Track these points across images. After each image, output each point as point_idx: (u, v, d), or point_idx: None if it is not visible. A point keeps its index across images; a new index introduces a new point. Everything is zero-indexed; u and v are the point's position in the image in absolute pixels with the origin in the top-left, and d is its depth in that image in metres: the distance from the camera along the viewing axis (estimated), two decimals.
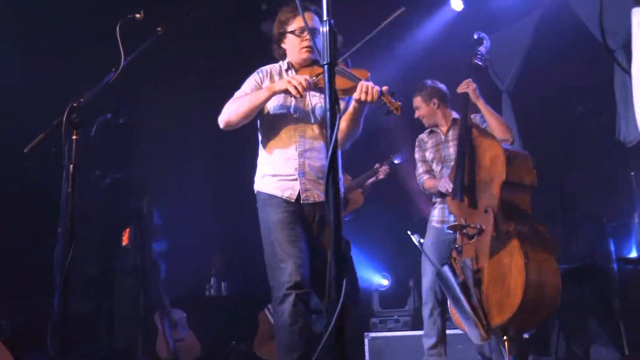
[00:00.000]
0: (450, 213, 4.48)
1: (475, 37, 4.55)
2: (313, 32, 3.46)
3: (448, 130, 4.85)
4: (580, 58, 5.83)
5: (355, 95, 3.27)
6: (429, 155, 4.92)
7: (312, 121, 3.54)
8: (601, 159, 5.94)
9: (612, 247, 5.32)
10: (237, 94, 3.61)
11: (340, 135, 3.42)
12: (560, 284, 3.88)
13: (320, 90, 3.47)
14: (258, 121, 3.66)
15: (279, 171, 3.51)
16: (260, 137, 3.68)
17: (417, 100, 4.97)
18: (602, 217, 5.59)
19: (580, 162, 6.16)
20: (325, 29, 1.85)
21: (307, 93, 3.48)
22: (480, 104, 4.47)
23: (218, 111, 3.54)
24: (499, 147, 4.06)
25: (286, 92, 3.37)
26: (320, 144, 3.51)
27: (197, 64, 7.48)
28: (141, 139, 7.60)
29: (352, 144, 3.62)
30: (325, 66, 1.81)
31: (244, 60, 5.56)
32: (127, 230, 6.55)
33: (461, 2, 6.40)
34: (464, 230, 4.09)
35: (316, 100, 3.56)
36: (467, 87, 4.48)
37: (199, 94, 7.57)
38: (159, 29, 3.51)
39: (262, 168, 3.62)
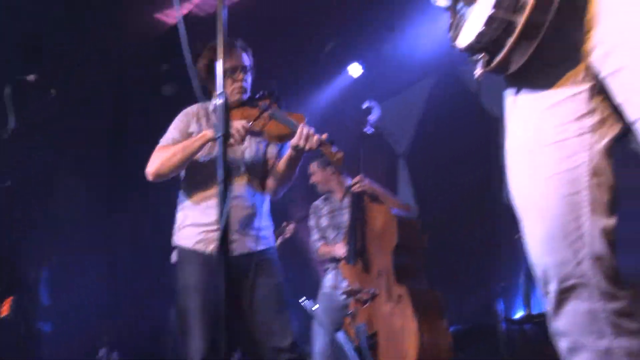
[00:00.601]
0: (343, 278, 4.50)
1: (365, 106, 4.68)
2: (244, 70, 3.35)
3: (343, 197, 4.92)
4: (470, 125, 6.09)
5: (293, 141, 3.10)
6: (323, 222, 4.97)
7: (241, 168, 3.33)
8: (490, 223, 6.18)
9: (502, 307, 5.49)
10: (163, 141, 3.31)
11: (274, 183, 3.36)
12: (452, 344, 3.96)
13: (253, 134, 3.27)
14: None
15: (201, 220, 3.24)
16: (182, 184, 3.40)
17: (313, 166, 5.04)
18: (492, 278, 5.77)
19: (470, 224, 6.38)
20: (219, 101, 1.78)
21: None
22: (378, 192, 4.54)
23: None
24: (390, 212, 4.18)
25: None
26: (247, 191, 3.30)
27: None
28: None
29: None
30: (220, 138, 1.72)
31: None
32: (9, 299, 6.15)
33: (360, 68, 6.58)
34: (357, 295, 4.12)
35: (245, 145, 3.34)
36: (359, 186, 4.41)
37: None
38: (52, 90, 3.38)
39: (181, 217, 3.33)
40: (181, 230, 3.29)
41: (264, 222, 3.40)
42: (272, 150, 3.47)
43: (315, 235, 4.99)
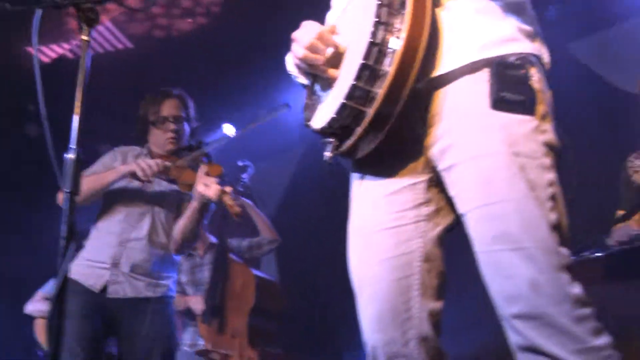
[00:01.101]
0: (200, 336, 4.43)
1: (240, 164, 4.75)
2: (177, 120, 3.32)
3: (205, 253, 4.88)
4: (334, 196, 6.27)
5: (195, 187, 3.09)
6: (183, 278, 4.89)
7: (147, 211, 3.27)
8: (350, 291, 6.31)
9: None
10: (86, 172, 3.19)
11: (176, 237, 3.21)
12: None
13: (171, 182, 3.24)
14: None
15: (93, 256, 3.19)
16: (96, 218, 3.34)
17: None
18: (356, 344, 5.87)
19: (329, 291, 6.48)
20: (72, 156, 1.68)
21: (156, 181, 3.23)
22: (247, 206, 4.62)
23: None
24: (251, 274, 4.21)
25: (133, 175, 3.09)
26: (150, 236, 3.23)
27: None
28: None
29: None
30: (67, 194, 1.63)
31: None
32: None
33: (233, 129, 6.63)
34: (210, 356, 4.06)
35: (155, 189, 3.31)
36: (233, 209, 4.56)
37: None
38: None
39: (82, 250, 3.25)
40: (74, 262, 3.15)
41: (160, 268, 3.29)
42: (186, 202, 3.38)
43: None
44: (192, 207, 3.17)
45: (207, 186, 3.05)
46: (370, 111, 1.46)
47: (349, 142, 1.54)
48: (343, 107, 1.48)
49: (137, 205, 3.27)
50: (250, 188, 4.85)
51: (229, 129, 6.68)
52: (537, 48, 1.59)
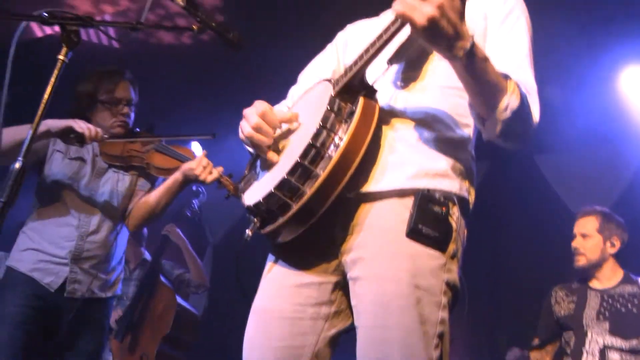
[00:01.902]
0: (110, 351, 4.38)
1: (194, 188, 4.78)
2: (129, 104, 3.15)
3: (135, 269, 4.85)
4: None
5: (189, 169, 2.96)
6: None
7: (98, 201, 3.04)
8: None
9: None
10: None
11: (139, 215, 3.07)
12: None
13: (124, 168, 3.08)
14: (37, 180, 3.05)
15: (46, 249, 2.93)
16: (34, 201, 3.06)
17: None
18: None
19: None
20: (17, 165, 1.64)
21: (116, 168, 3.07)
22: (183, 245, 4.64)
23: None
24: (175, 301, 4.19)
25: (72, 132, 2.80)
26: (103, 227, 3.04)
27: None
28: None
29: None
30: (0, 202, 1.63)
31: None
32: None
33: (200, 148, 6.68)
34: None
35: (106, 177, 3.09)
36: (168, 231, 4.63)
37: None
38: None
39: (25, 239, 2.98)
40: (19, 252, 2.96)
41: (115, 265, 3.14)
42: (142, 183, 3.22)
43: None
44: (175, 180, 3.03)
45: (205, 168, 2.96)
46: (295, 206, 1.52)
47: (270, 227, 1.60)
48: (271, 194, 1.55)
49: (90, 196, 3.05)
50: (199, 214, 4.87)
51: (197, 148, 6.73)
52: (465, 188, 1.68)
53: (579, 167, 5.61)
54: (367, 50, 1.59)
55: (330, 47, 2.09)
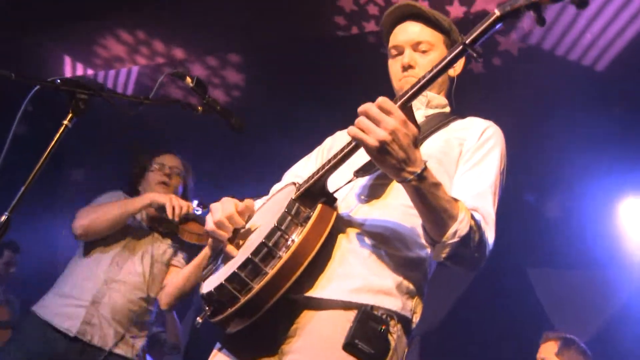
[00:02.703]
0: None
1: None
2: (173, 171, 3.36)
3: None
4: None
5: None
6: None
7: (141, 259, 3.16)
8: None
9: None
10: (93, 203, 3.19)
11: (178, 287, 2.99)
12: None
13: (176, 240, 3.22)
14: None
15: (71, 291, 3.01)
16: (77, 251, 3.23)
17: None
18: None
19: None
20: (3, 218, 1.72)
21: (156, 233, 3.21)
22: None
23: None
24: None
25: (158, 209, 3.07)
26: (137, 282, 3.10)
27: None
28: None
29: None
30: None
31: None
32: None
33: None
34: None
35: (163, 248, 3.23)
36: None
37: None
38: None
39: (56, 284, 3.12)
40: (47, 298, 3.06)
41: (141, 324, 3.15)
42: (178, 258, 3.33)
43: None
44: (205, 257, 3.05)
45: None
46: (242, 300, 1.57)
47: (219, 317, 1.65)
48: (222, 286, 1.61)
49: (131, 246, 3.17)
50: None
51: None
52: (409, 307, 1.71)
53: (569, 287, 5.60)
54: (329, 161, 1.67)
55: (316, 151, 2.20)
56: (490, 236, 1.70)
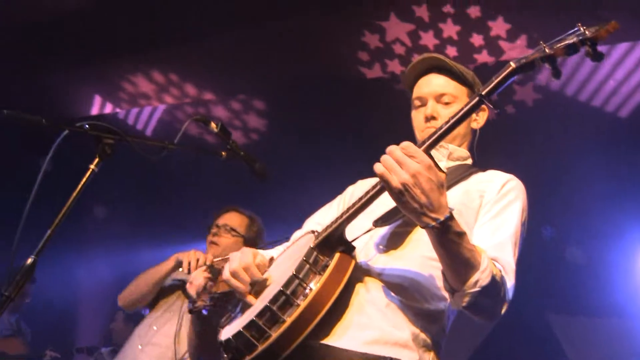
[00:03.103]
0: None
1: None
2: (218, 228, 3.36)
3: None
4: None
5: None
6: None
7: (177, 320, 3.13)
8: None
9: None
10: None
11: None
12: None
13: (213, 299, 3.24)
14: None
15: (119, 358, 3.14)
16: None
17: (119, 315, 5.02)
18: None
19: None
20: (30, 260, 1.74)
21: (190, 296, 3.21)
22: None
23: None
24: None
25: (179, 264, 3.12)
26: (168, 343, 3.06)
27: None
28: None
29: None
30: (2, 297, 1.69)
31: None
32: None
33: None
34: None
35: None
36: None
37: None
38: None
39: None
40: None
41: None
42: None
43: None
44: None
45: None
46: (260, 347, 1.58)
47: None
48: (240, 334, 1.61)
49: (172, 309, 3.19)
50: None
51: None
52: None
53: (591, 335, 5.50)
54: (348, 209, 1.68)
55: (338, 198, 2.21)
56: (510, 286, 1.69)
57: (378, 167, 1.48)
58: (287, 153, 5.57)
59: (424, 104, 2.07)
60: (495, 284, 1.60)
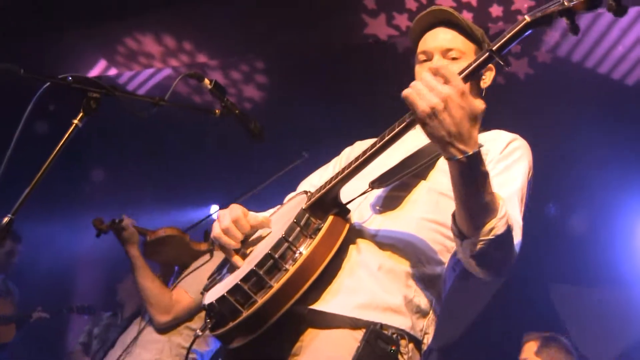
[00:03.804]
0: None
1: None
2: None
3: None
4: None
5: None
6: (96, 330, 4.85)
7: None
8: None
9: None
10: None
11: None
12: None
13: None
14: None
15: None
16: None
17: (126, 281, 4.96)
18: None
19: None
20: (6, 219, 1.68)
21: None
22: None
23: None
24: None
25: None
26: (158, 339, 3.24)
27: None
28: None
29: None
30: None
31: None
32: None
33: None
34: None
35: None
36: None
37: None
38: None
39: None
40: None
41: None
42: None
43: (81, 338, 4.83)
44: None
45: None
46: (245, 313, 1.50)
47: (220, 330, 1.57)
48: (223, 298, 1.53)
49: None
50: None
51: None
52: (419, 327, 1.62)
53: (592, 304, 5.45)
54: (343, 170, 1.59)
55: (334, 160, 2.11)
56: (517, 242, 1.58)
57: (406, 90, 1.37)
58: (285, 117, 5.46)
59: (429, 58, 1.94)
60: (509, 235, 1.49)
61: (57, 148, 1.74)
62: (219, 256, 3.16)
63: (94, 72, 6.03)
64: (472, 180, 1.40)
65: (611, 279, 5.31)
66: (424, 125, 1.36)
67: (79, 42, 5.80)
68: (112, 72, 6.06)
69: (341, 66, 5.25)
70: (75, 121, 1.79)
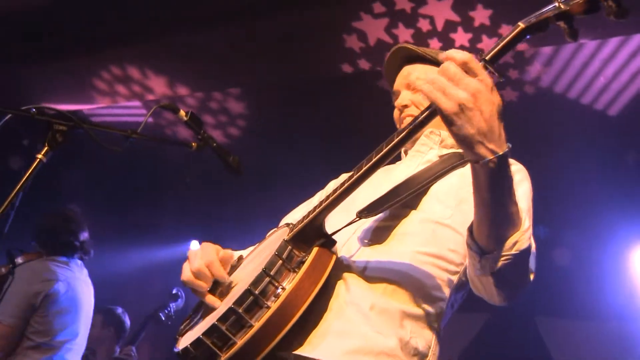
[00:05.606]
0: None
1: (173, 291, 4.65)
2: None
3: None
4: None
5: None
6: None
7: None
8: None
9: None
10: None
11: None
12: None
13: None
14: None
15: None
16: None
17: (97, 319, 4.78)
18: None
19: None
20: None
21: None
22: None
23: None
24: None
25: None
26: None
27: None
28: None
29: None
30: None
31: None
32: None
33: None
34: None
35: None
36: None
37: None
38: None
39: None
40: None
41: None
42: None
43: None
44: None
45: None
46: (222, 357, 1.36)
47: None
48: (199, 341, 1.38)
49: None
50: (173, 320, 4.69)
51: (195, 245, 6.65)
52: None
53: (582, 338, 5.35)
54: (327, 197, 1.47)
55: (318, 194, 2.00)
56: (532, 266, 1.45)
57: (424, 86, 1.23)
58: (262, 153, 5.37)
59: (397, 97, 1.94)
60: (530, 252, 1.36)
61: (21, 183, 1.61)
62: (21, 277, 3.04)
63: (70, 106, 5.91)
64: (500, 184, 1.27)
65: (601, 311, 5.23)
66: (449, 124, 1.22)
67: (57, 75, 5.69)
68: (89, 106, 5.95)
69: (322, 98, 5.19)
70: (39, 156, 1.67)
